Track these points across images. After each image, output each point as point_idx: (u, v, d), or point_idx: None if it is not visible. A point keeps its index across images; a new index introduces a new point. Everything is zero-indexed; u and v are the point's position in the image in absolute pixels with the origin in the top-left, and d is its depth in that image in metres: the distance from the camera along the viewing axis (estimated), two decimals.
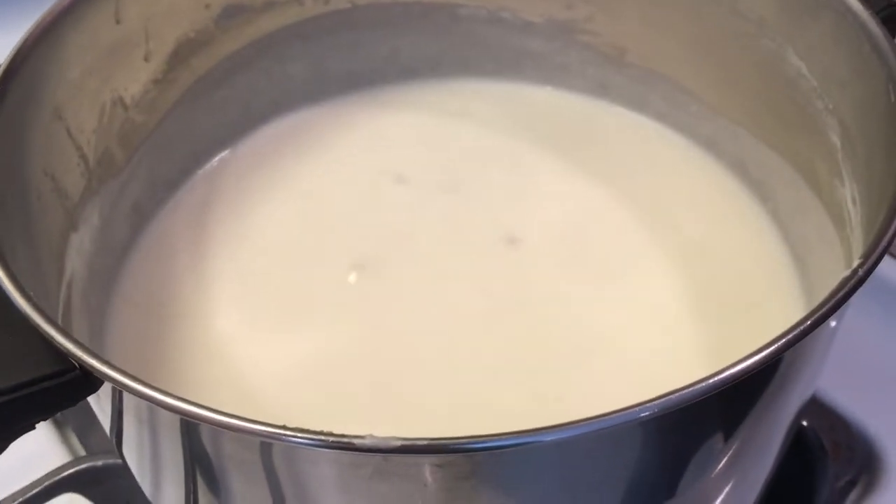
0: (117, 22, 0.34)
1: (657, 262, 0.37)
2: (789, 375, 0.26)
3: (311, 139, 0.42)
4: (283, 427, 0.21)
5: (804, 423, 0.40)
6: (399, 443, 0.21)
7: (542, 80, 0.42)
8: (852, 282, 0.23)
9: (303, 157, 0.41)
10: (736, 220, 0.38)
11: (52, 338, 0.23)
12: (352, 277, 0.37)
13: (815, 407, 0.40)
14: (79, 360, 0.23)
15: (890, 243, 0.24)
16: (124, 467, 0.31)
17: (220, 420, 0.21)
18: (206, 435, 0.25)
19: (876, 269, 0.24)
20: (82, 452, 0.41)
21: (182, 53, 0.37)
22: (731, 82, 0.38)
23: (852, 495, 0.39)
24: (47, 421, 0.42)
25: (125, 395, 0.25)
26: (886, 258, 0.43)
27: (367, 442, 0.20)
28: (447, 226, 0.38)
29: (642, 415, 0.21)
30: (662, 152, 0.41)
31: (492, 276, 0.36)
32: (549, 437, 0.21)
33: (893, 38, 0.29)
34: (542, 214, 0.38)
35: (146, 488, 0.31)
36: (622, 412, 0.20)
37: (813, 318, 0.22)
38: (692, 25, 0.38)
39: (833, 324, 0.26)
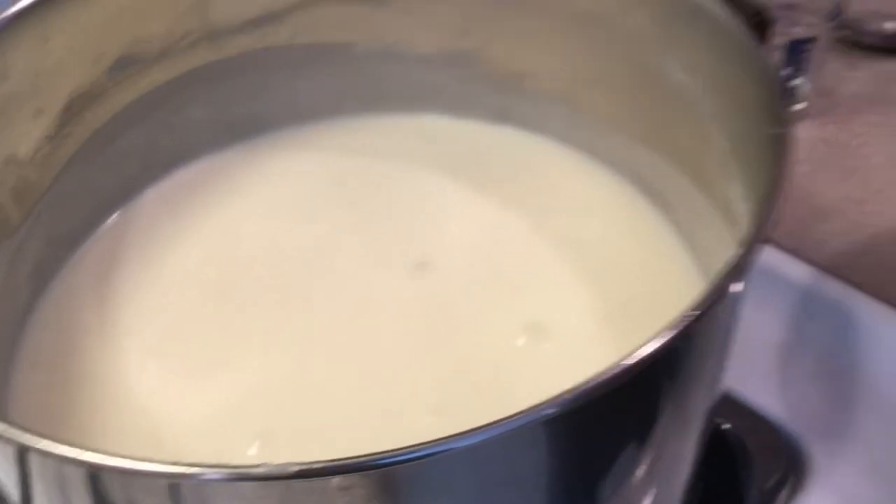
0: (4, 78, 0.34)
1: (567, 282, 0.37)
2: (686, 370, 0.26)
3: (217, 186, 0.42)
4: (175, 463, 0.20)
5: (726, 426, 0.40)
6: (297, 468, 0.20)
7: (441, 110, 0.43)
8: (726, 271, 0.23)
9: (208, 205, 0.41)
10: (642, 235, 0.39)
11: None
12: (264, 318, 0.36)
13: (735, 409, 0.41)
14: None
15: (766, 228, 0.24)
16: None
17: (107, 464, 0.21)
18: (109, 483, 0.24)
19: (786, 272, 0.24)
20: None
21: (75, 108, 0.37)
22: (622, 98, 0.39)
23: (782, 495, 0.40)
24: None
25: (27, 455, 0.24)
26: (791, 257, 0.44)
27: (261, 471, 0.20)
28: (359, 257, 0.38)
29: (540, 416, 0.21)
30: (566, 172, 0.41)
31: (404, 302, 0.36)
32: (450, 447, 0.21)
33: (762, 43, 0.30)
34: (450, 239, 0.38)
35: None
36: (514, 418, 0.20)
37: (689, 313, 0.22)
38: (582, 47, 0.39)
39: (721, 315, 0.27)
